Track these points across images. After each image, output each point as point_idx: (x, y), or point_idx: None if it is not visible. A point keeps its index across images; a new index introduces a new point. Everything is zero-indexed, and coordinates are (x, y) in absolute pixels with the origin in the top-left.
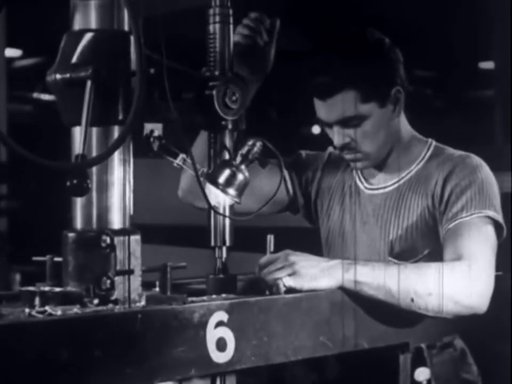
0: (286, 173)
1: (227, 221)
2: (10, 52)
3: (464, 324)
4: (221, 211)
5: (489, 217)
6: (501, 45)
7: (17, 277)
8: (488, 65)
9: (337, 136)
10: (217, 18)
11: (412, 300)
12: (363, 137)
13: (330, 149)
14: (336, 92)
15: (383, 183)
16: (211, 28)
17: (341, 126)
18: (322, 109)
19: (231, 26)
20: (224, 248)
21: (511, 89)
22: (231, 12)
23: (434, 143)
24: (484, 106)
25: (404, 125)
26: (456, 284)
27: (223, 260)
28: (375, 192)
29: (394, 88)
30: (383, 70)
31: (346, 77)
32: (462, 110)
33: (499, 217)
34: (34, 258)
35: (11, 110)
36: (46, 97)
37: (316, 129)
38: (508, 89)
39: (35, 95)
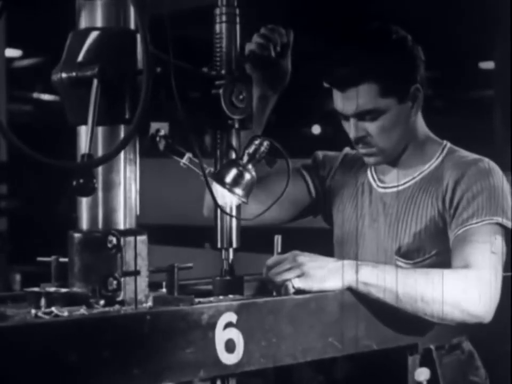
0: (307, 175)
1: (234, 222)
2: (10, 52)
3: (471, 325)
4: (228, 211)
5: (499, 223)
6: (501, 45)
7: (17, 277)
8: (488, 65)
9: (354, 128)
10: (224, 18)
11: (418, 305)
12: (379, 132)
13: (346, 149)
14: (356, 83)
15: (395, 182)
16: (217, 27)
17: (358, 118)
18: (341, 100)
19: (238, 26)
20: (230, 250)
21: (511, 90)
22: (237, 11)
23: (449, 144)
24: (484, 107)
25: (420, 124)
26: (463, 292)
27: (230, 261)
28: (387, 190)
29: (414, 85)
30: (405, 66)
31: (367, 70)
32: (462, 110)
33: (509, 223)
34: (39, 258)
35: (11, 110)
36: (46, 97)
37: (316, 129)
38: (508, 90)
39: (35, 95)
